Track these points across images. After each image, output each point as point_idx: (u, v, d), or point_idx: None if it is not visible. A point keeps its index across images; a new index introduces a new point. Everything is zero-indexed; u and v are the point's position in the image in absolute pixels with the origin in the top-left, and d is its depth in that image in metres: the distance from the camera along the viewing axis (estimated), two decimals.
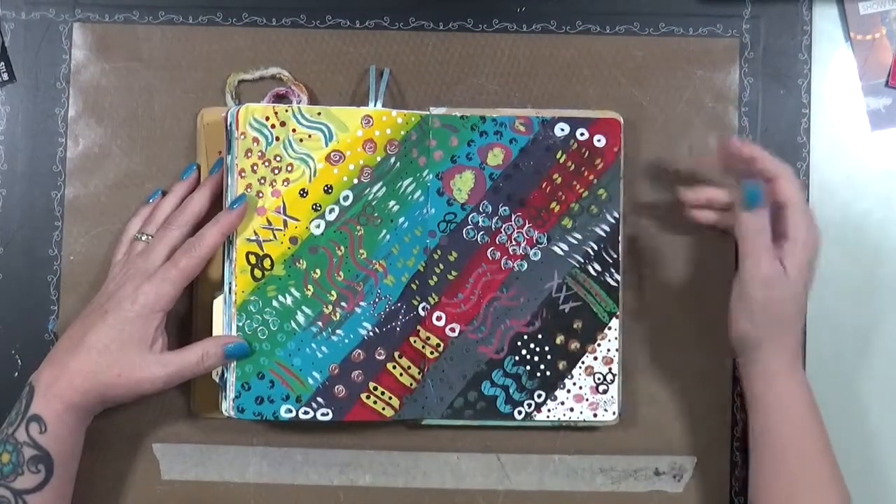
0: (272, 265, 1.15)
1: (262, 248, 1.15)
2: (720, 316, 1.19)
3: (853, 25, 1.24)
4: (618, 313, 1.19)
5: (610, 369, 1.19)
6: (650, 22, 1.24)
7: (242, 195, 1.14)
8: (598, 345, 1.19)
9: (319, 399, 1.16)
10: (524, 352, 1.19)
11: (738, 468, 1.23)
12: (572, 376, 1.19)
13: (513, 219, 1.19)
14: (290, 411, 1.15)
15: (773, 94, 1.24)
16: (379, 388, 1.17)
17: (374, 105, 1.19)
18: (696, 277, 1.23)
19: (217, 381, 1.16)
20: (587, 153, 1.19)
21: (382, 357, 1.17)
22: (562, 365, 1.19)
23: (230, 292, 1.15)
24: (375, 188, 1.17)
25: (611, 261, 1.19)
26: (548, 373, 1.19)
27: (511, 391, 1.19)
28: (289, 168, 1.15)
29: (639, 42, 1.24)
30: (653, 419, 1.23)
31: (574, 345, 1.19)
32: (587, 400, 1.20)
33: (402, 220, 1.17)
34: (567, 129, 1.19)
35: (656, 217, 1.23)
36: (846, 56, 1.25)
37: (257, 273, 1.15)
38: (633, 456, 1.23)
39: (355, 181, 1.16)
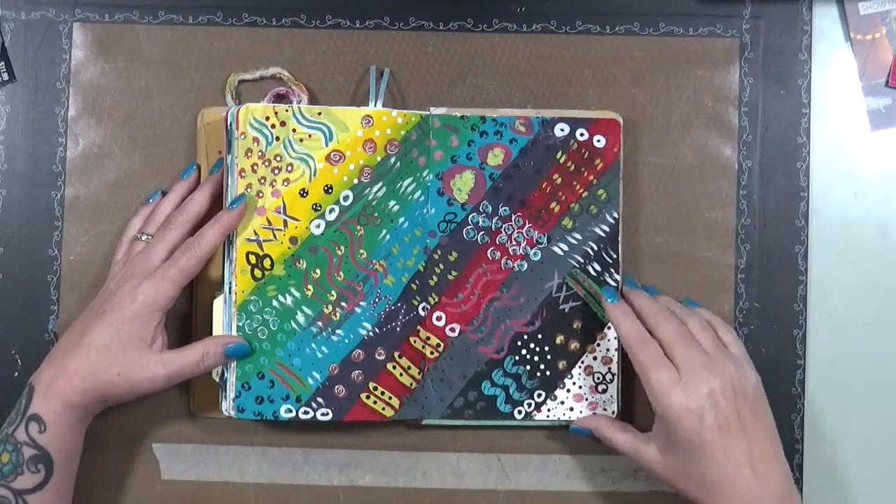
0: (272, 265, 1.15)
1: (262, 247, 1.15)
2: (720, 316, 1.20)
3: (853, 25, 1.24)
4: None
5: (609, 369, 1.19)
6: (650, 22, 1.24)
7: (242, 195, 1.14)
8: (598, 344, 1.19)
9: (319, 399, 1.16)
10: (524, 352, 1.19)
11: None
12: (572, 376, 1.19)
13: (513, 219, 1.19)
14: (290, 411, 1.15)
15: (773, 94, 1.24)
16: (379, 388, 1.17)
17: (374, 105, 1.19)
18: (696, 277, 1.23)
19: (217, 380, 1.16)
20: (587, 153, 1.19)
21: (382, 357, 1.17)
22: (561, 365, 1.19)
23: (230, 292, 1.15)
24: (375, 188, 1.17)
25: (610, 261, 1.19)
26: (548, 372, 1.19)
27: (511, 391, 1.19)
28: (289, 168, 1.15)
29: (639, 42, 1.24)
30: (652, 419, 1.22)
31: (574, 345, 1.19)
32: (587, 399, 1.20)
33: (402, 220, 1.17)
34: (567, 129, 1.19)
35: (658, 218, 1.23)
36: (846, 56, 1.25)
37: (257, 273, 1.15)
38: None
39: (355, 181, 1.16)
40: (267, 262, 1.15)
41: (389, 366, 1.17)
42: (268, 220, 1.15)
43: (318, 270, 1.16)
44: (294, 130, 1.15)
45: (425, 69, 1.24)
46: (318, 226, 1.16)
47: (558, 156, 1.19)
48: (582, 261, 1.19)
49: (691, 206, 1.23)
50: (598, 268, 1.19)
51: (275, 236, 1.15)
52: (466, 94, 1.23)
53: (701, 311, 1.18)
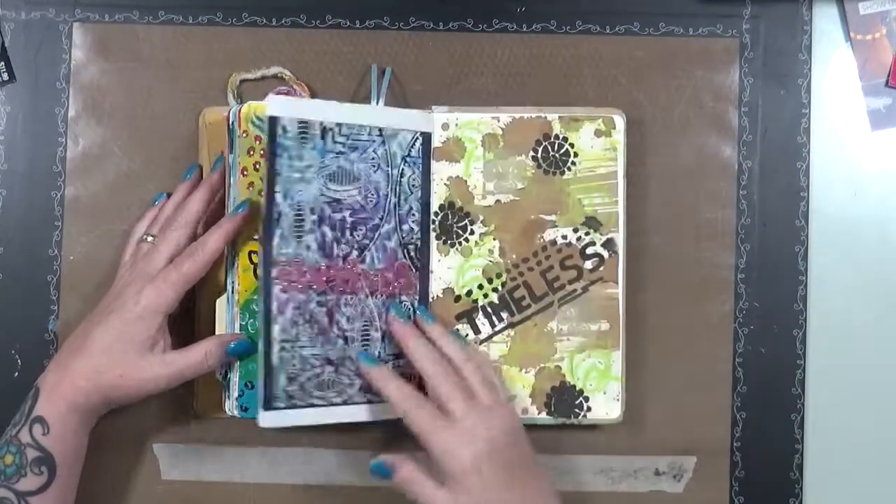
0: None
1: None
2: (720, 316, 1.20)
3: (853, 25, 1.24)
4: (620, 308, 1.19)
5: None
6: (650, 22, 1.24)
7: (245, 202, 1.14)
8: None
9: None
10: None
11: (738, 468, 1.23)
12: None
13: None
14: None
15: (773, 94, 1.24)
16: None
17: (377, 103, 1.19)
18: (696, 277, 1.23)
19: (220, 380, 1.16)
20: None
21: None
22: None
23: (233, 292, 1.15)
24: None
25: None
26: None
27: None
28: None
29: (639, 42, 1.24)
30: (653, 419, 1.23)
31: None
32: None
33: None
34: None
35: (658, 218, 1.23)
36: (846, 56, 1.25)
37: (259, 272, 1.14)
38: (633, 456, 1.23)
39: None
40: None
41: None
42: None
43: None
44: None
45: (425, 69, 1.24)
46: None
47: None
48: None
49: (691, 206, 1.24)
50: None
51: None
52: (467, 94, 1.23)
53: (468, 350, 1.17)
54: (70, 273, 1.22)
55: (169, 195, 1.20)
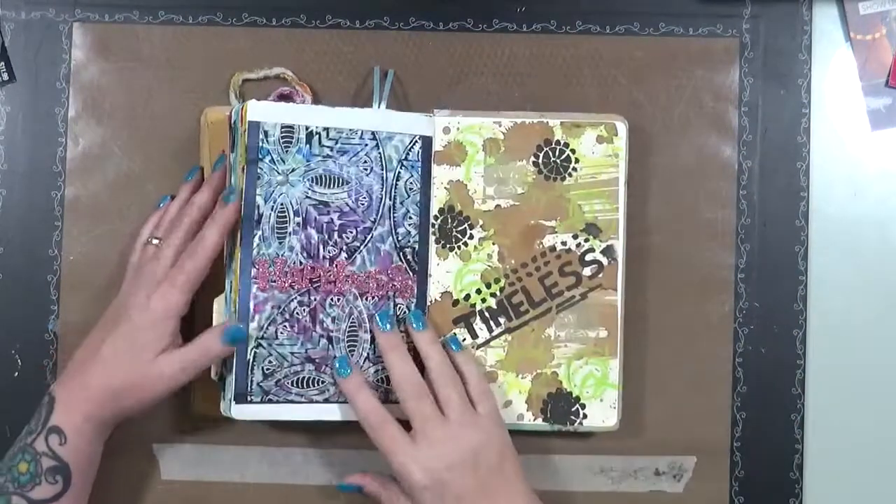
0: None
1: None
2: (720, 316, 1.20)
3: (853, 25, 1.24)
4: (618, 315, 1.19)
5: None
6: (650, 22, 1.24)
7: (231, 190, 1.13)
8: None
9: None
10: None
11: (738, 468, 1.23)
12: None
13: None
14: None
15: (773, 94, 1.24)
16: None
17: (379, 106, 1.19)
18: (696, 277, 1.23)
19: (216, 380, 1.16)
20: None
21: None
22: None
23: (230, 290, 1.14)
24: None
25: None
26: None
27: None
28: None
29: (639, 42, 1.24)
30: (653, 419, 1.23)
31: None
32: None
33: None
34: None
35: (658, 218, 1.23)
36: (846, 56, 1.25)
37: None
38: (633, 456, 1.23)
39: None
40: None
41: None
42: None
43: None
44: None
45: (425, 69, 1.24)
46: None
47: None
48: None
49: (691, 206, 1.24)
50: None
51: None
52: (467, 95, 1.23)
53: (458, 357, 1.17)
54: (70, 273, 1.22)
55: (173, 197, 1.20)
